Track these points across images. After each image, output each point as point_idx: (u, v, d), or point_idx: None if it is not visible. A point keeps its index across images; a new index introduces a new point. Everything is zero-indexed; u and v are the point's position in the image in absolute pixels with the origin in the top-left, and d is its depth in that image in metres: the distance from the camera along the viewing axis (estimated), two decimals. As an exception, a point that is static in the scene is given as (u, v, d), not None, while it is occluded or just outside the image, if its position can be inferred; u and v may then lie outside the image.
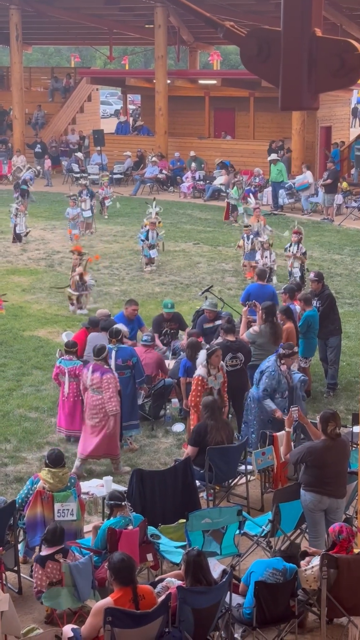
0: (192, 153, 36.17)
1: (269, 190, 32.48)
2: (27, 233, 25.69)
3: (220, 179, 34.42)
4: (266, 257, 20.92)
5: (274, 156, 32.22)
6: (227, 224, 28.60)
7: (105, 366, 12.12)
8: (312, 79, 4.55)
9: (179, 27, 39.65)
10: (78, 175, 37.37)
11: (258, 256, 21.18)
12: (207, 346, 12.38)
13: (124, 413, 12.55)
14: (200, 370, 11.88)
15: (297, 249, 20.50)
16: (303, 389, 12.44)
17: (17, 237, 25.46)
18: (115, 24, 43.33)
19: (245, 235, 22.31)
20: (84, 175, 36.63)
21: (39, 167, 36.08)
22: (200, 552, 7.98)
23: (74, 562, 8.52)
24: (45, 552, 8.64)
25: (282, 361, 11.87)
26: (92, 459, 12.16)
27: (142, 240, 23.00)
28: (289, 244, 20.90)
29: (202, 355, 12.01)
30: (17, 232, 25.42)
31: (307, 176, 31.29)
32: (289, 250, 20.69)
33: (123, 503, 9.05)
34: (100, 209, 29.62)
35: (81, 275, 19.22)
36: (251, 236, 22.04)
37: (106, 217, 29.45)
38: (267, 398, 11.81)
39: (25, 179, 31.60)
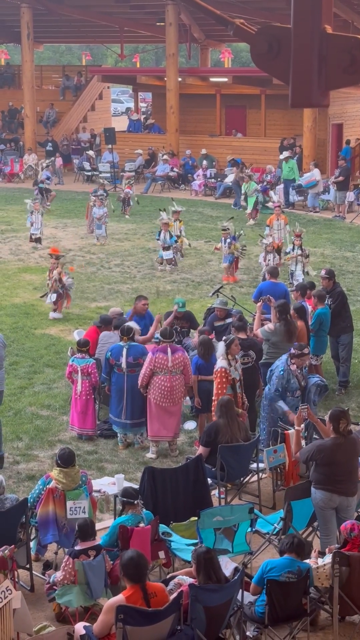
0: (203, 151, 36.16)
1: (280, 187, 32.42)
2: (39, 239, 24.98)
3: (231, 177, 34.40)
4: (269, 260, 20.55)
5: (286, 154, 32.16)
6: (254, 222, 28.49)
7: (175, 345, 12.80)
8: (322, 76, 4.54)
9: (190, 24, 39.61)
10: (89, 173, 37.45)
11: (261, 258, 20.94)
12: (224, 337, 12.39)
13: (136, 411, 12.60)
14: (221, 362, 11.89)
15: (301, 251, 20.20)
16: (318, 394, 12.32)
17: (35, 240, 24.91)
18: (126, 22, 43.33)
19: (223, 239, 21.72)
20: (96, 173, 36.76)
21: (49, 161, 35.79)
22: (209, 548, 7.97)
23: (87, 560, 8.52)
24: (79, 546, 8.61)
25: (292, 361, 11.85)
26: (169, 441, 12.60)
27: (157, 240, 23.08)
28: (291, 247, 20.61)
29: (221, 347, 12.02)
30: (32, 232, 24.89)
31: (315, 174, 31.24)
32: (292, 253, 20.39)
33: (135, 501, 9.05)
34: (123, 208, 29.45)
35: (59, 278, 18.63)
36: (228, 240, 21.44)
37: (127, 216, 29.29)
38: (279, 399, 11.78)
39: (43, 178, 31.48)
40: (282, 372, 11.77)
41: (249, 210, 28.78)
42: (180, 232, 23.47)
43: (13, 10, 40.09)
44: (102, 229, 25.54)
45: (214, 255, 23.92)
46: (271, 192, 27.30)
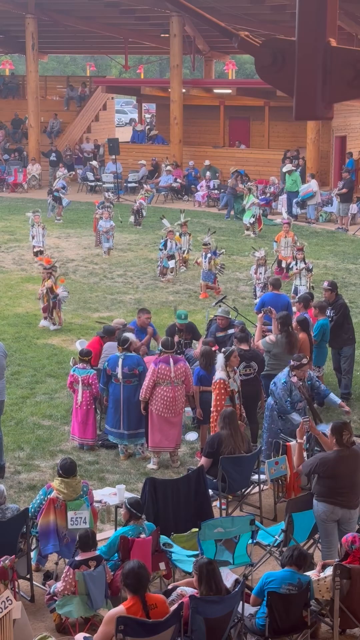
0: (206, 162, 36.18)
1: (283, 198, 32.46)
2: (41, 252, 24.41)
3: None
4: (260, 273, 20.04)
5: (289, 167, 32.19)
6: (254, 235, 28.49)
7: (176, 355, 12.82)
8: (326, 89, 4.55)
9: (195, 36, 39.71)
10: (93, 183, 37.50)
11: (252, 271, 20.52)
12: (223, 349, 12.39)
13: (132, 421, 12.60)
14: (220, 374, 11.89)
15: (304, 265, 19.97)
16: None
17: (38, 253, 24.35)
18: (130, 33, 43.48)
19: (203, 254, 21.24)
20: (99, 184, 36.81)
21: (67, 173, 35.49)
22: (211, 559, 7.96)
23: (88, 571, 8.51)
24: (80, 557, 8.59)
25: (293, 372, 11.84)
26: (170, 451, 12.59)
27: (161, 250, 22.92)
28: (294, 262, 20.38)
29: (220, 358, 12.03)
30: (34, 244, 24.50)
31: (312, 185, 31.29)
32: (295, 267, 20.14)
33: (142, 516, 9.04)
34: (136, 219, 29.24)
35: (51, 289, 18.35)
36: (209, 255, 21.02)
37: (140, 227, 29.12)
38: (293, 411, 11.79)
39: (58, 187, 31.40)
40: (285, 384, 11.77)
41: (245, 223, 28.63)
42: (189, 246, 23.35)
43: (18, 20, 40.21)
44: (109, 242, 25.34)
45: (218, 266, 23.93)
46: (282, 209, 27.00)
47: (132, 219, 29.48)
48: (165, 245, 22.71)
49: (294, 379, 11.82)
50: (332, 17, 4.59)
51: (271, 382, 12.16)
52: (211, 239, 21.64)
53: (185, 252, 23.53)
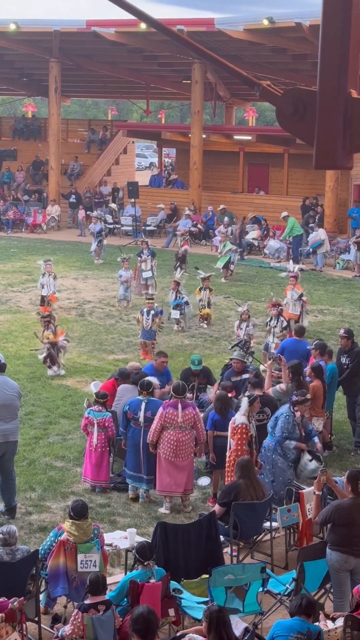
0: (221, 206, 36.20)
1: (274, 243, 32.79)
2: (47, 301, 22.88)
3: (253, 234, 34.64)
4: (242, 328, 18.86)
5: (284, 214, 32.40)
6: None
7: (187, 400, 12.68)
8: (347, 139, 4.59)
9: (216, 83, 40.13)
10: (111, 226, 37.67)
11: (235, 326, 19.34)
12: (247, 394, 12.38)
13: (152, 466, 12.56)
14: (242, 419, 11.87)
15: (277, 322, 18.49)
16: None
17: (42, 300, 22.81)
18: (152, 78, 43.97)
19: (145, 310, 19.70)
20: (118, 226, 36.98)
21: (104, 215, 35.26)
22: (221, 607, 7.88)
23: (97, 615, 8.43)
24: (89, 600, 8.51)
25: (296, 408, 11.90)
26: (181, 496, 12.52)
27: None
28: (269, 319, 18.83)
29: (244, 403, 12.00)
30: (43, 293, 22.96)
31: (319, 234, 31.38)
32: (269, 324, 18.69)
33: (146, 563, 8.97)
34: (180, 265, 27.20)
35: (52, 342, 18.00)
36: (152, 312, 19.48)
37: (185, 272, 25.92)
38: (285, 440, 11.87)
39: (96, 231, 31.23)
40: (288, 417, 11.82)
41: (219, 267, 28.20)
42: (210, 301, 22.45)
43: (42, 64, 40.72)
44: (127, 291, 24.43)
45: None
46: (290, 262, 26.04)
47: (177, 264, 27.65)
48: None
49: (297, 414, 11.89)
50: (354, 68, 4.63)
51: (271, 420, 12.25)
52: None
53: (205, 307, 22.47)
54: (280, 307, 18.89)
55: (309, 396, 12.22)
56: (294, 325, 17.38)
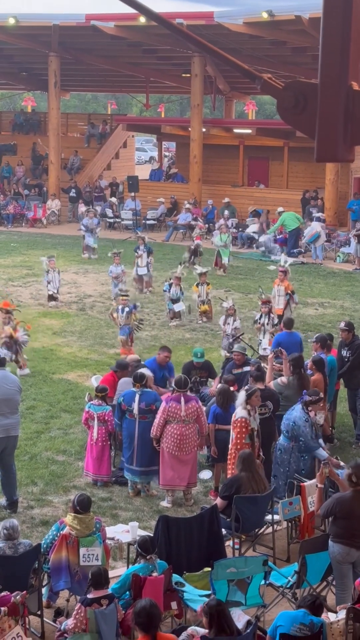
0: (226, 199, 36.22)
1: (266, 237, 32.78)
2: (55, 296, 23.62)
3: (253, 227, 34.64)
4: (228, 323, 18.55)
5: (280, 209, 32.37)
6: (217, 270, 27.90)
7: (189, 394, 12.70)
8: (348, 132, 4.59)
9: (216, 76, 40.09)
10: (112, 220, 37.67)
11: (221, 322, 18.98)
12: (246, 387, 12.38)
13: (145, 458, 12.57)
14: (242, 412, 11.85)
15: (268, 320, 18.34)
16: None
17: (51, 297, 23.62)
18: (152, 72, 43.91)
19: (120, 307, 19.17)
20: (118, 220, 36.96)
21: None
22: (220, 600, 7.87)
23: (100, 609, 8.45)
24: (92, 595, 8.51)
25: (310, 408, 11.86)
26: (184, 490, 12.51)
27: (165, 291, 22.42)
28: (259, 315, 18.68)
29: (241, 396, 11.99)
30: (50, 292, 23.61)
31: (314, 226, 31.36)
32: (259, 322, 18.52)
33: (148, 556, 8.98)
34: (192, 259, 27.38)
35: (10, 336, 17.48)
36: (126, 309, 18.90)
37: (196, 266, 24.94)
38: (318, 447, 11.80)
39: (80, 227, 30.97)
40: (307, 421, 11.77)
41: (225, 261, 28.14)
42: (207, 296, 22.20)
43: (41, 58, 40.66)
44: (117, 287, 23.86)
45: (234, 304, 23.94)
46: (282, 255, 25.58)
47: (186, 255, 27.81)
48: (170, 288, 22.02)
49: (312, 414, 11.85)
50: (355, 61, 4.63)
51: (285, 422, 12.12)
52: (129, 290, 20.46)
53: (204, 303, 22.25)
54: (270, 305, 18.84)
55: (321, 395, 12.21)
56: (283, 319, 17.28)
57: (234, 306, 19.16)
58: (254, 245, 33.58)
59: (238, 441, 11.76)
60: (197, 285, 22.30)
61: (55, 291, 23.64)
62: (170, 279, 22.33)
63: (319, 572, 9.55)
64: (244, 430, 11.76)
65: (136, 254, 25.16)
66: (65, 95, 51.28)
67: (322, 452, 11.73)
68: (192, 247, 27.92)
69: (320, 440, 12.23)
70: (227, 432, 12.26)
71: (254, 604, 9.26)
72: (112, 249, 25.16)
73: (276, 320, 18.43)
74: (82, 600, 8.49)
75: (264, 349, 17.09)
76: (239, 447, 11.70)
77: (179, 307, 22.09)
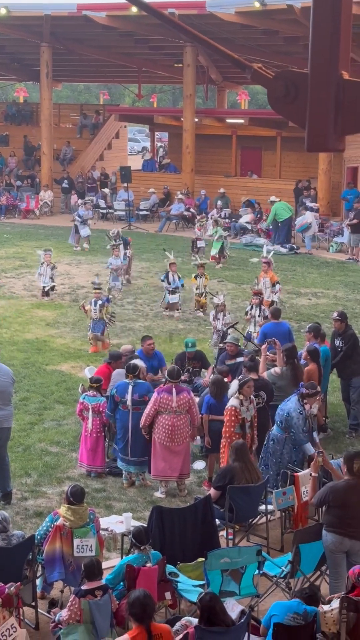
0: (221, 190, 36.18)
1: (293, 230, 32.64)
2: (52, 287, 23.55)
3: (246, 217, 34.61)
4: (218, 319, 18.16)
5: (273, 198, 32.36)
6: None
7: (182, 385, 12.71)
8: (338, 121, 4.58)
9: (208, 66, 40.01)
10: (105, 211, 37.67)
11: (211, 317, 18.63)
12: (239, 377, 12.37)
13: (138, 449, 12.58)
14: (233, 401, 11.87)
15: (259, 311, 18.16)
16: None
17: (44, 293, 23.45)
18: (144, 62, 43.82)
19: (93, 300, 19.07)
20: (111, 211, 36.88)
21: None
22: (212, 597, 7.81)
23: (94, 600, 8.45)
24: (85, 586, 8.51)
25: (305, 400, 11.84)
26: (177, 480, 12.53)
27: (162, 281, 22.39)
28: (249, 307, 18.53)
29: (233, 386, 12.02)
30: (42, 285, 23.42)
31: (307, 217, 31.37)
32: (249, 313, 18.37)
33: (142, 547, 8.98)
34: (195, 248, 27.56)
35: None
36: (99, 302, 18.93)
37: (195, 256, 24.75)
38: (307, 441, 11.78)
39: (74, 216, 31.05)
40: (302, 413, 11.77)
41: (213, 254, 27.85)
42: (205, 289, 21.97)
43: (33, 49, 40.55)
44: (118, 280, 24.17)
45: (227, 295, 23.93)
46: (265, 247, 25.40)
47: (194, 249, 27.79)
48: (167, 278, 22.06)
49: (307, 407, 11.83)
50: (345, 50, 4.62)
51: (279, 413, 12.11)
52: (101, 283, 20.33)
53: (202, 295, 22.06)
54: (262, 296, 18.83)
55: (319, 388, 12.21)
56: (270, 309, 17.16)
57: (224, 302, 18.88)
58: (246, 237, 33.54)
59: (227, 429, 11.78)
60: (196, 277, 22.21)
61: (47, 286, 23.41)
62: (166, 269, 22.35)
63: (312, 561, 9.56)
64: (233, 419, 11.76)
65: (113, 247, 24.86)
66: (58, 86, 51.14)
67: (310, 447, 11.71)
68: (196, 237, 28.24)
69: (315, 433, 12.23)
70: (220, 423, 12.25)
71: (248, 593, 9.27)
72: (110, 240, 25.06)
73: (267, 312, 18.18)
74: (76, 592, 8.50)
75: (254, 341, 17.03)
76: (227, 435, 11.73)
77: (174, 299, 22.05)
